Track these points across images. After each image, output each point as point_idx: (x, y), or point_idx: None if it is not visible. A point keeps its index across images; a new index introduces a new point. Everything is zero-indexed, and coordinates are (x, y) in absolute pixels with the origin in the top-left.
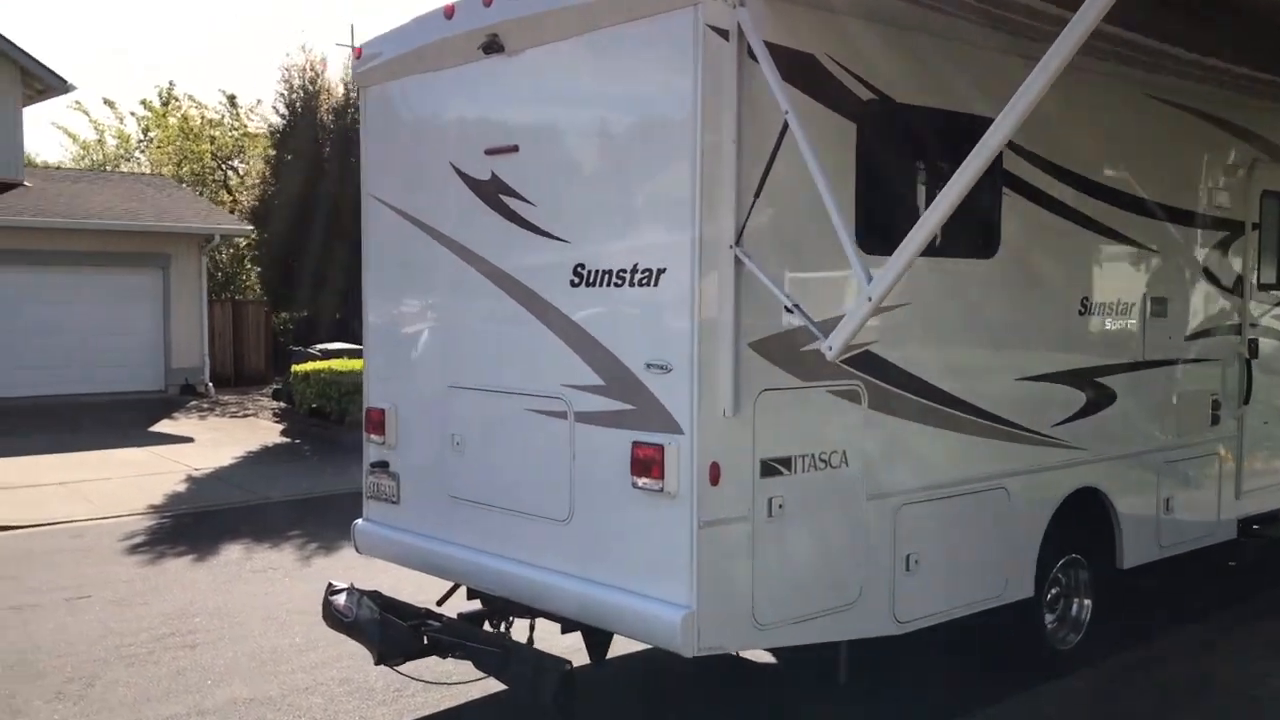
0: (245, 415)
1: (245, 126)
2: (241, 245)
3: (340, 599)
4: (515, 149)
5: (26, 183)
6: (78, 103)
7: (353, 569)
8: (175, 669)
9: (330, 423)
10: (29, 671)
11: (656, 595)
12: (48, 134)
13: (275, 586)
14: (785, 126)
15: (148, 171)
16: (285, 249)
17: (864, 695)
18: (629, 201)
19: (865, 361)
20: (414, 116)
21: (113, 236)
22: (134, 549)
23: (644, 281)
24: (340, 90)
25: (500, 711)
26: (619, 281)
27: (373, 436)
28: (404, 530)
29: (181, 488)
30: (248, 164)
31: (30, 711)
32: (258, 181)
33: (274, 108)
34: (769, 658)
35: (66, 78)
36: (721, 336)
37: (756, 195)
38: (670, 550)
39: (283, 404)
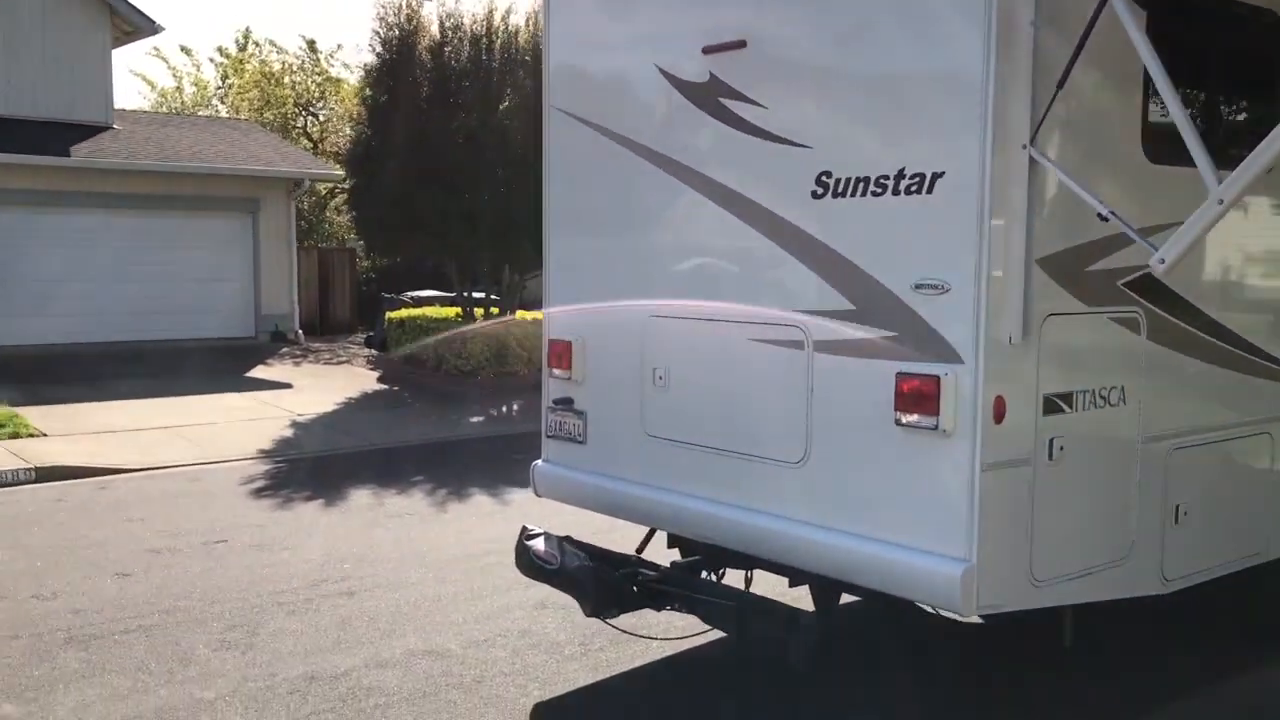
0: (339, 362)
1: (326, 71)
2: (323, 192)
3: (540, 544)
4: (742, 45)
5: (115, 125)
6: (156, 49)
7: (491, 515)
8: (339, 618)
9: (427, 369)
10: (186, 618)
11: (925, 548)
12: (126, 81)
13: (416, 533)
14: (1102, 4)
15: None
16: (382, 193)
17: (1089, 660)
18: (894, 96)
19: (1145, 287)
20: (609, 18)
21: (203, 180)
22: (257, 493)
23: (914, 188)
24: (436, 28)
25: (709, 664)
26: (878, 190)
27: (555, 371)
28: (591, 472)
29: (289, 433)
30: (330, 109)
31: (198, 660)
32: (354, 122)
33: (370, 46)
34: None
35: (154, 19)
36: (1012, 251)
37: (1060, 86)
38: (944, 497)
39: (374, 351)
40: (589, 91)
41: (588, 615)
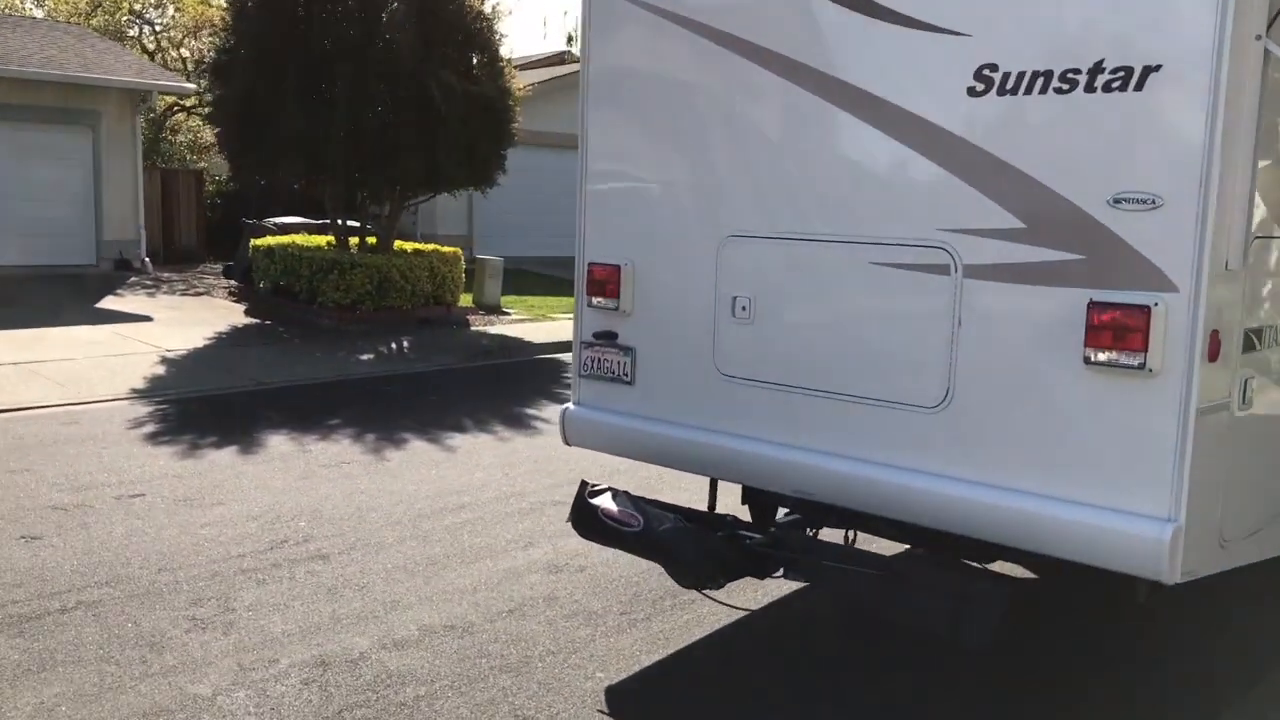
0: (196, 294)
1: None
2: (161, 109)
3: (608, 503)
4: None
5: None
6: None
7: (442, 464)
8: (322, 587)
9: (300, 303)
10: (134, 590)
11: (1119, 506)
12: None
13: (365, 484)
14: None
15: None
16: (253, 109)
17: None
18: None
19: None
20: None
21: (34, 89)
22: (152, 439)
23: (1116, 84)
24: None
25: (789, 629)
26: (1064, 86)
27: (595, 300)
28: (641, 416)
29: (161, 370)
30: (170, 19)
31: (172, 644)
32: (216, 28)
33: None
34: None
35: None
36: (1238, 161)
37: None
38: (1146, 447)
39: (235, 282)
40: None
41: (685, 586)
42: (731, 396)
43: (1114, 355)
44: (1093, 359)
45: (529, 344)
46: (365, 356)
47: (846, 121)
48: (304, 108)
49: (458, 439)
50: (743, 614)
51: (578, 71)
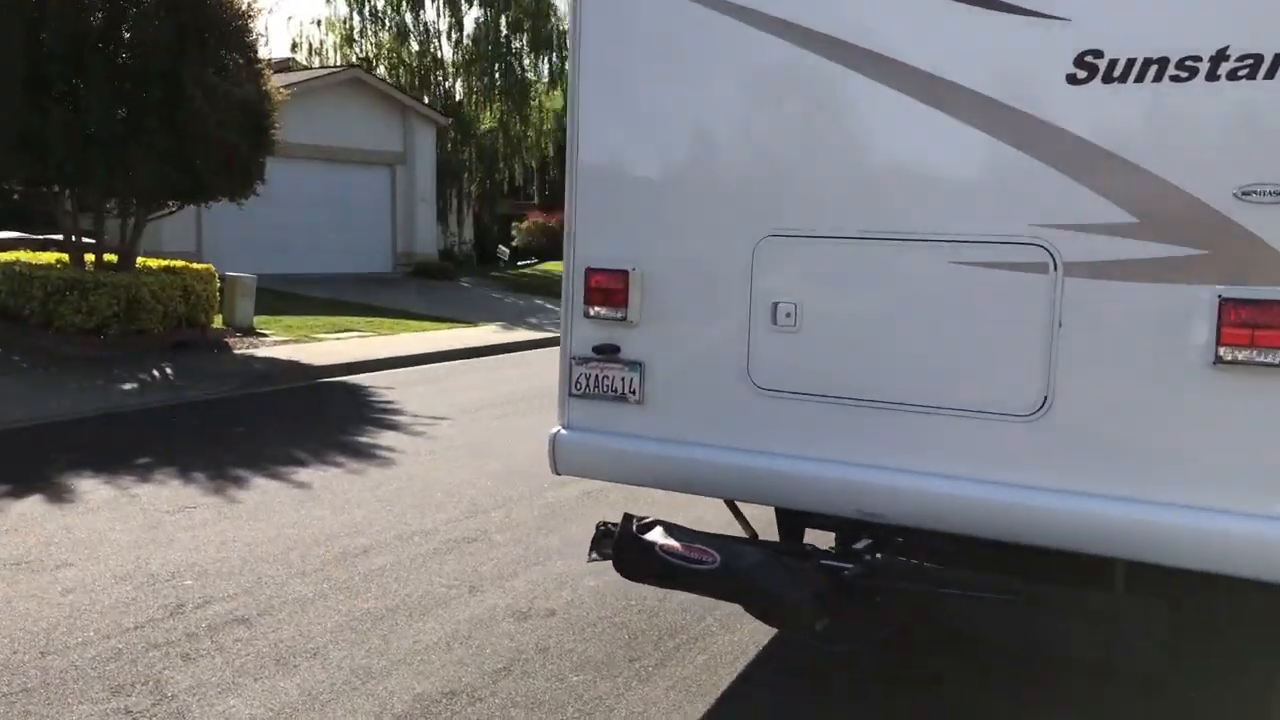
0: None
1: None
2: None
3: (669, 539)
4: None
5: None
6: None
7: (307, 502)
8: (266, 657)
9: (32, 327)
10: (30, 682)
11: (1259, 511)
12: None
13: (233, 532)
14: None
15: None
16: None
17: None
18: None
19: None
20: None
21: None
22: None
23: (1242, 73)
24: None
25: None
26: (1182, 74)
27: (596, 310)
28: (653, 438)
29: None
30: None
31: None
32: None
33: None
34: None
35: None
36: None
37: None
38: None
39: None
40: None
41: (789, 629)
42: (771, 412)
43: (1252, 353)
44: (1226, 358)
45: (307, 367)
46: (128, 386)
47: (922, 112)
48: (32, 103)
49: (303, 473)
50: (764, 646)
51: (306, 80)
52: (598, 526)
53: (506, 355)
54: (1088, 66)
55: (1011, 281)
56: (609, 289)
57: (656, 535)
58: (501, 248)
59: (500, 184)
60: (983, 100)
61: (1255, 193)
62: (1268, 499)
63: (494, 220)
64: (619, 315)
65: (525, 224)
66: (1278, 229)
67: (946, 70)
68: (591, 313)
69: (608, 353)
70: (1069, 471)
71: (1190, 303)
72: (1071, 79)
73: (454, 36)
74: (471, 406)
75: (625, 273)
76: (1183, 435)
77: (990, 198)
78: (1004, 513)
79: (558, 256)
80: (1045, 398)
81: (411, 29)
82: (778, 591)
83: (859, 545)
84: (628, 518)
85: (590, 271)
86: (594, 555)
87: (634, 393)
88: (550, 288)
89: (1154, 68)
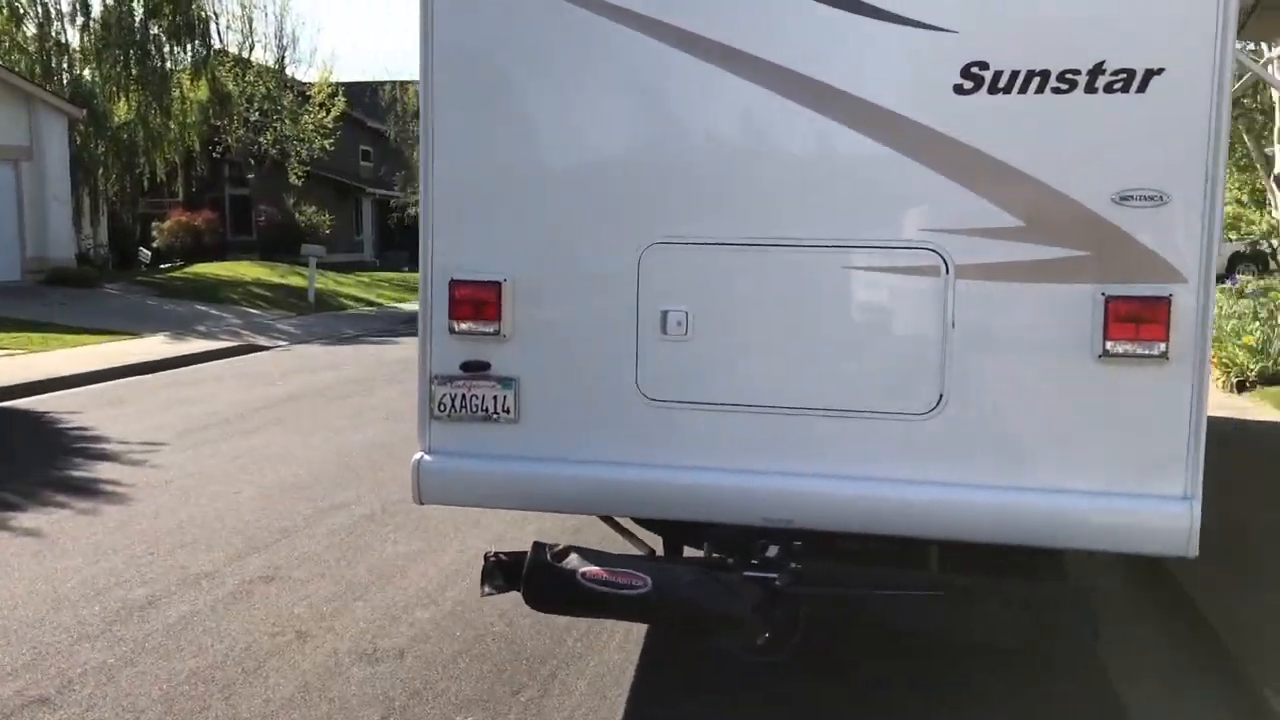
0: None
1: None
2: None
3: (589, 565)
4: None
5: None
6: None
7: (44, 554)
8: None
9: None
10: None
11: (1135, 490)
12: None
13: (92, 571)
14: None
15: None
16: None
17: None
18: None
19: None
20: None
21: None
22: None
23: (1117, 86)
24: None
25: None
26: (1062, 86)
27: (463, 326)
28: (531, 458)
29: None
30: None
31: None
32: None
33: None
34: None
35: None
36: (1222, 159)
37: None
38: (1163, 429)
39: None
40: None
41: (727, 644)
42: (663, 423)
43: (1133, 346)
44: (1112, 351)
45: None
46: None
47: (813, 119)
48: None
49: (25, 519)
50: (638, 664)
51: None
52: (487, 558)
53: (188, 369)
54: (974, 77)
55: (904, 285)
56: (479, 301)
57: (574, 563)
58: (143, 250)
59: (140, 181)
60: (873, 109)
61: (1131, 197)
62: (1152, 480)
63: (135, 220)
64: (491, 330)
65: (168, 224)
66: (1151, 230)
67: (838, 78)
68: (458, 328)
69: (477, 370)
70: (966, 466)
71: (1076, 301)
72: (959, 89)
73: (80, 20)
74: (185, 428)
75: (498, 284)
76: (1073, 425)
77: (882, 203)
78: (906, 509)
79: (205, 258)
80: (941, 396)
81: (27, 9)
82: (721, 608)
83: (770, 554)
84: (539, 546)
85: (455, 284)
86: (488, 589)
87: (508, 411)
88: (208, 292)
89: (1036, 79)
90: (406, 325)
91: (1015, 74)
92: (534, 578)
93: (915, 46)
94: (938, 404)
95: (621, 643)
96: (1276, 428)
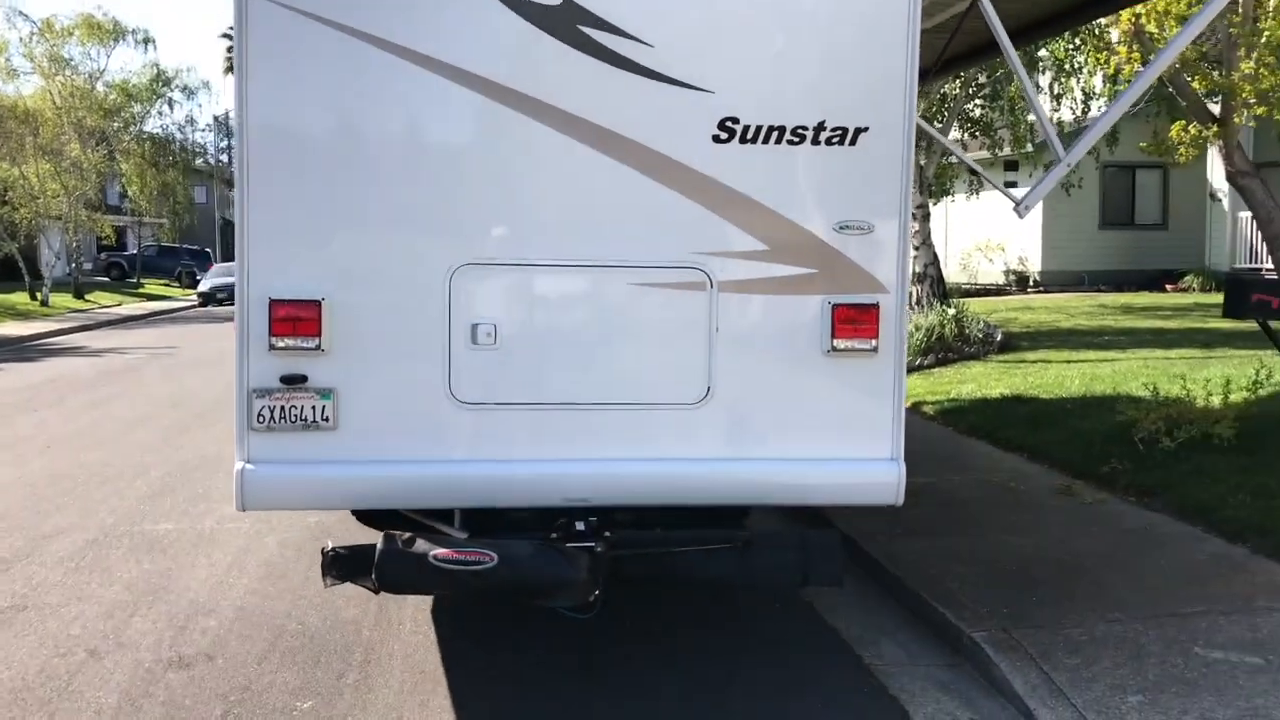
0: None
1: None
2: None
3: (437, 546)
4: None
5: None
6: None
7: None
8: None
9: None
10: None
11: (857, 455)
12: None
13: None
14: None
15: None
16: None
17: None
18: (814, 57)
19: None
20: None
21: None
22: None
23: (835, 140)
24: None
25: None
26: (795, 139)
27: (285, 341)
28: (348, 461)
29: None
30: None
31: None
32: None
33: None
34: None
35: None
36: (907, 198)
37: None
38: (875, 406)
39: None
40: None
41: (582, 611)
42: (475, 423)
43: (853, 342)
44: (837, 347)
45: None
46: None
47: (602, 161)
48: None
49: None
50: (438, 639)
51: None
52: (324, 552)
53: None
54: (728, 129)
55: (678, 298)
56: (298, 319)
57: (423, 547)
58: None
59: None
60: (650, 152)
61: (847, 227)
62: (868, 446)
63: None
64: (311, 345)
65: None
66: (862, 252)
67: (619, 126)
68: (280, 344)
69: (295, 382)
70: (729, 443)
71: (810, 308)
72: (716, 139)
73: None
74: None
75: (317, 303)
76: (810, 406)
77: (660, 231)
78: (684, 481)
79: None
80: (708, 388)
81: None
82: (564, 575)
83: (581, 526)
84: (390, 536)
85: (275, 303)
86: (330, 580)
87: (327, 419)
88: None
89: (775, 133)
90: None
91: (760, 128)
92: (388, 563)
93: (683, 103)
94: (706, 394)
95: (414, 626)
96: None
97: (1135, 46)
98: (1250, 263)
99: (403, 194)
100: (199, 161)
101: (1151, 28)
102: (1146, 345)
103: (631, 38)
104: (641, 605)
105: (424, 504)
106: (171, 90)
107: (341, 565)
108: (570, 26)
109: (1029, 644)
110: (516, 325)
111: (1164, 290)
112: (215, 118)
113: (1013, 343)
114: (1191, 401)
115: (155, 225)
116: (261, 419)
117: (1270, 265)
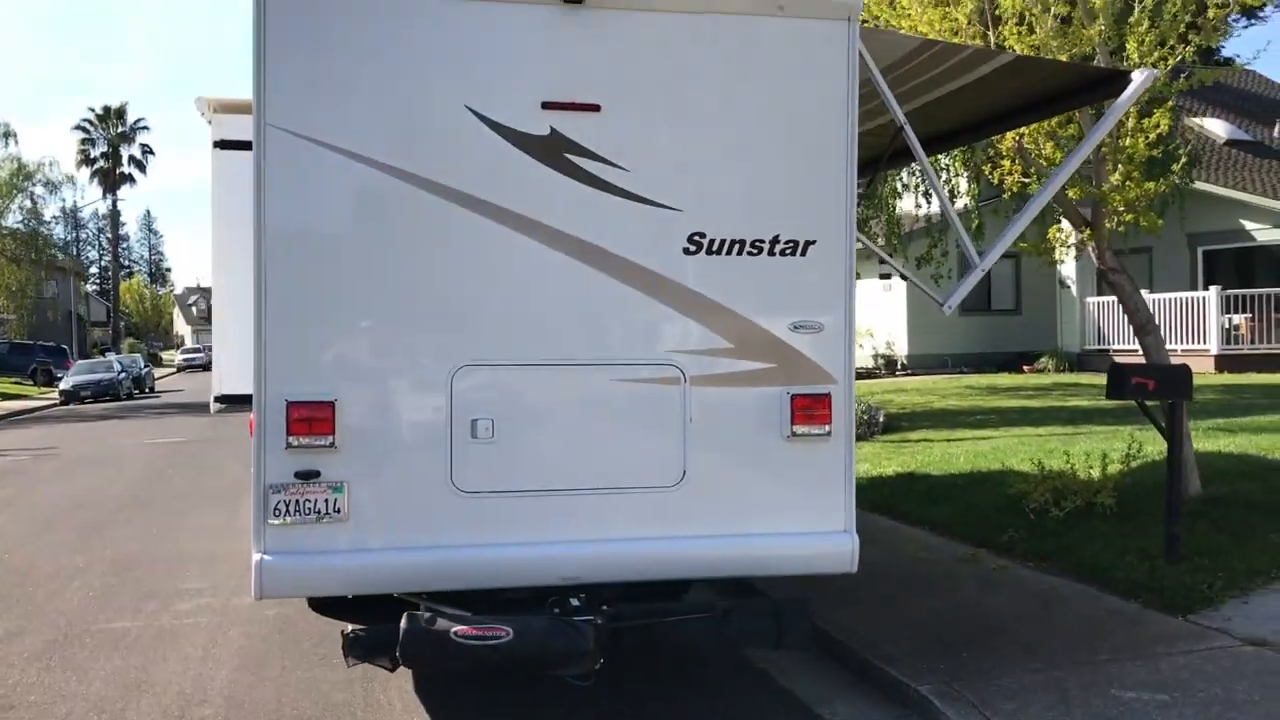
0: None
1: None
2: None
3: (456, 623)
4: (596, 108)
5: None
6: None
7: None
8: None
9: None
10: None
11: (816, 529)
12: None
13: None
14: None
15: None
16: None
17: None
18: (769, 181)
19: None
20: (395, 34)
21: None
22: None
23: (788, 251)
24: None
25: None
26: (754, 250)
27: (300, 440)
28: (359, 550)
29: None
30: None
31: None
32: None
33: None
34: None
35: None
36: (855, 300)
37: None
38: (830, 484)
39: None
40: (352, 119)
41: (584, 679)
42: (475, 511)
43: (809, 428)
44: (796, 432)
45: None
46: None
47: (586, 271)
48: None
49: None
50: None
51: None
52: (344, 634)
53: None
54: (695, 242)
55: (656, 392)
56: (313, 419)
57: (444, 625)
58: None
59: None
60: (627, 263)
61: (802, 327)
62: (825, 521)
63: None
64: (325, 442)
65: None
66: (815, 348)
67: (601, 240)
68: (295, 443)
69: (310, 477)
70: (702, 522)
71: (771, 399)
72: (686, 250)
73: None
74: None
75: (331, 403)
76: (772, 487)
77: (638, 332)
78: (665, 557)
79: None
80: (684, 471)
81: None
82: (575, 646)
83: (576, 602)
84: (413, 616)
85: (291, 404)
86: (353, 660)
87: (338, 510)
88: None
89: (737, 245)
90: None
91: (724, 241)
92: (412, 641)
93: (656, 220)
94: (681, 478)
95: (404, 706)
96: None
97: (1017, 160)
98: (1098, 344)
99: (407, 303)
100: (61, 257)
101: (1029, 144)
102: (1016, 424)
103: (611, 164)
104: (611, 675)
105: (428, 587)
106: (33, 185)
107: (361, 645)
108: (557, 154)
109: (969, 693)
110: (512, 419)
111: (1022, 371)
112: (63, 209)
113: (894, 423)
114: (1074, 474)
115: (3, 321)
116: (277, 512)
117: (1133, 347)
